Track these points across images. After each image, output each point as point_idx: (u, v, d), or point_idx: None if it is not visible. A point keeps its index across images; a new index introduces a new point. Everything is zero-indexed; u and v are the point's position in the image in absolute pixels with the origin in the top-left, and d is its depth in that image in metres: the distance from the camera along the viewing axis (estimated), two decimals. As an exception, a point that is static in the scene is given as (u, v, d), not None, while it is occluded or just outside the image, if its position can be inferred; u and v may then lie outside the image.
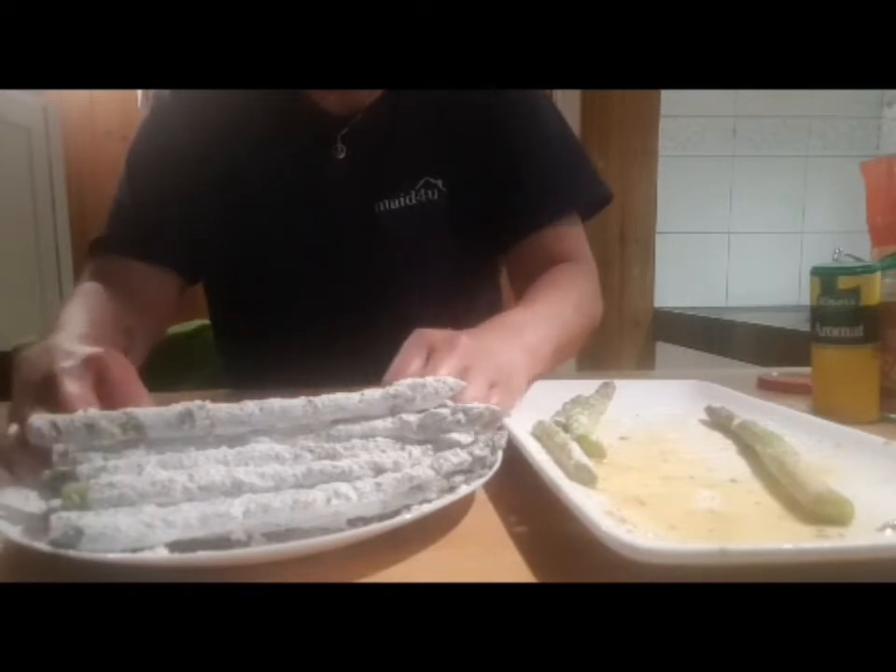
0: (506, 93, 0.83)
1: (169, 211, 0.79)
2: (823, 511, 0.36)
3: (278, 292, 0.83)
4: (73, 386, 0.44)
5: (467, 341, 0.56)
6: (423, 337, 0.56)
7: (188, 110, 0.81)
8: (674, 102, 1.97)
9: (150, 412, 0.39)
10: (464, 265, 0.86)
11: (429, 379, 0.45)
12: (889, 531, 0.34)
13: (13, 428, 0.43)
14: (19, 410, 0.45)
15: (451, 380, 0.46)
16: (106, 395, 0.45)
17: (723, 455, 0.48)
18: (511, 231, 0.84)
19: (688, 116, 1.99)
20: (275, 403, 0.41)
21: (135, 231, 0.79)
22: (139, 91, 2.54)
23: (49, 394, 0.44)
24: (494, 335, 0.62)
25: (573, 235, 0.85)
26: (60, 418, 0.38)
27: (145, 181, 0.81)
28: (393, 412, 0.44)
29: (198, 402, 0.40)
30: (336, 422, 0.42)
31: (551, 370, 0.71)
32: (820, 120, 2.02)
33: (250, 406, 0.40)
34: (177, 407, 0.39)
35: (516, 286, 0.87)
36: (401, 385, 0.44)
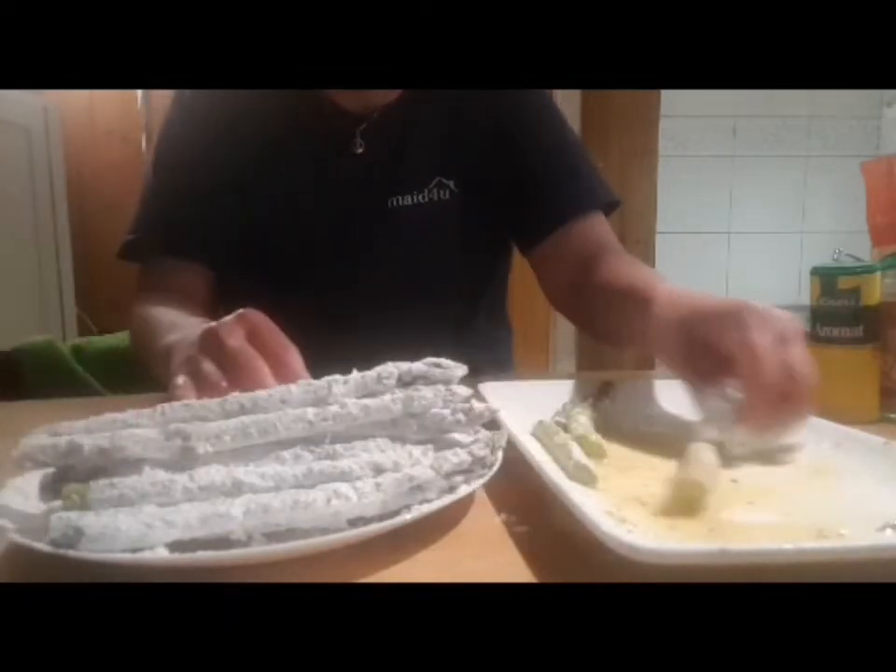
0: (518, 98, 0.84)
1: (198, 208, 0.80)
2: (681, 495, 0.38)
3: (290, 281, 0.84)
4: (232, 340, 0.48)
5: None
6: (762, 319, 0.47)
7: (209, 108, 0.82)
8: (674, 102, 1.97)
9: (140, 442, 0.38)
10: (473, 265, 0.87)
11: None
12: (889, 531, 0.34)
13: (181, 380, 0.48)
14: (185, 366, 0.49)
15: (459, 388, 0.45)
16: (259, 346, 0.48)
17: (724, 455, 0.48)
18: (541, 225, 0.84)
19: (688, 116, 1.99)
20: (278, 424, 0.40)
21: (174, 230, 0.80)
22: (139, 91, 2.54)
23: (212, 349, 0.48)
24: None
25: (605, 225, 0.85)
26: (49, 442, 0.37)
27: (174, 182, 0.82)
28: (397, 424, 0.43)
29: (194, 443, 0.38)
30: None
31: None
32: (820, 120, 2.02)
33: (254, 437, 0.39)
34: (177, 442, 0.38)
35: (552, 279, 0.86)
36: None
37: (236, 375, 0.46)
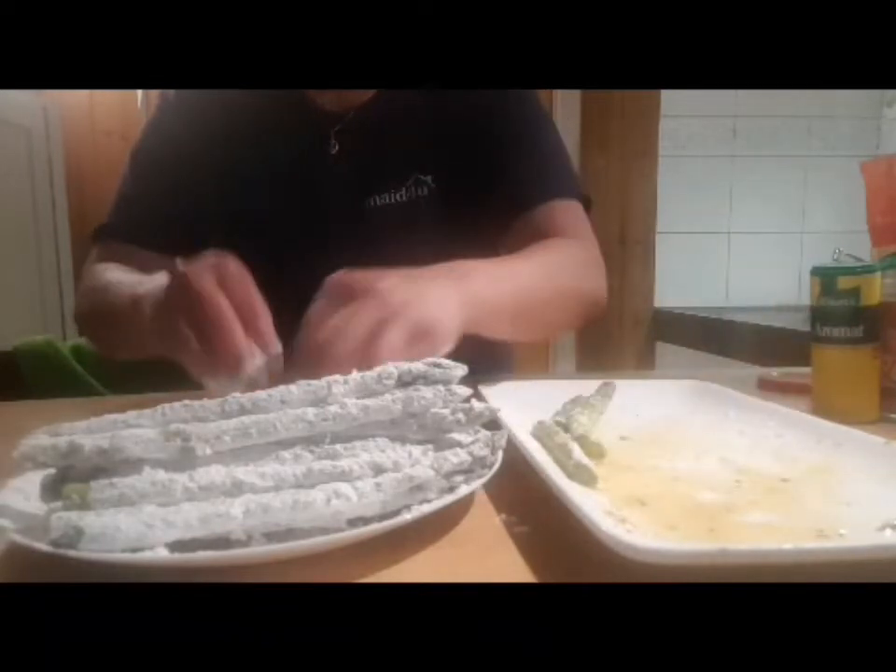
0: (496, 93, 0.84)
1: (171, 202, 0.80)
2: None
3: (270, 284, 0.83)
4: (203, 289, 0.48)
5: (389, 285, 0.52)
6: (342, 283, 0.53)
7: (191, 106, 0.83)
8: (674, 102, 1.97)
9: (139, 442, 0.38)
10: (453, 261, 0.86)
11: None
12: (888, 531, 0.34)
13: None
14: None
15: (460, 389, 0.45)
16: (229, 295, 0.48)
17: (724, 455, 0.48)
18: (505, 213, 0.83)
19: (688, 116, 1.99)
20: (278, 424, 0.39)
21: (139, 220, 0.81)
22: (139, 91, 2.54)
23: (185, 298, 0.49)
24: (430, 278, 0.57)
25: (569, 213, 0.84)
26: (50, 443, 0.38)
27: (147, 174, 0.83)
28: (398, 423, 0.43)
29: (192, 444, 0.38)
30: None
31: (510, 332, 0.69)
32: (820, 120, 2.02)
33: (254, 437, 0.39)
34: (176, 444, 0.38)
35: None
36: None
37: (206, 333, 0.47)
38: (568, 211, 0.84)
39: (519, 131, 0.84)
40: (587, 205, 0.89)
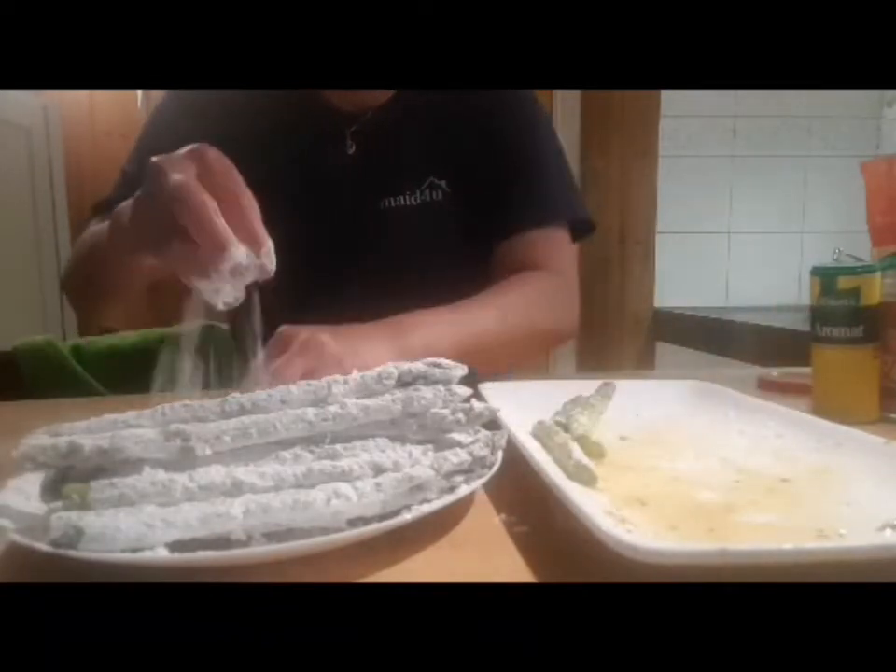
0: (509, 102, 0.84)
1: None
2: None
3: (282, 283, 0.83)
4: (177, 175, 0.45)
5: (324, 340, 0.56)
6: (284, 335, 0.56)
7: (200, 102, 0.82)
8: (674, 102, 1.97)
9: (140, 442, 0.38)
10: (466, 265, 0.87)
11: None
12: (888, 531, 0.34)
13: None
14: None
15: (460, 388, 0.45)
16: (210, 184, 0.46)
17: (724, 455, 0.48)
18: (495, 234, 0.84)
19: (688, 116, 1.99)
20: (279, 424, 0.39)
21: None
22: (139, 91, 2.54)
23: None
24: (367, 335, 0.62)
25: (551, 245, 0.85)
26: (50, 443, 0.38)
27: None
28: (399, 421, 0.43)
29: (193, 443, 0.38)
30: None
31: None
32: (820, 120, 2.02)
33: (254, 437, 0.39)
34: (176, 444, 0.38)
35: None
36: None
37: (186, 223, 0.44)
38: (549, 241, 0.84)
39: (524, 147, 0.84)
40: (589, 228, 0.89)
